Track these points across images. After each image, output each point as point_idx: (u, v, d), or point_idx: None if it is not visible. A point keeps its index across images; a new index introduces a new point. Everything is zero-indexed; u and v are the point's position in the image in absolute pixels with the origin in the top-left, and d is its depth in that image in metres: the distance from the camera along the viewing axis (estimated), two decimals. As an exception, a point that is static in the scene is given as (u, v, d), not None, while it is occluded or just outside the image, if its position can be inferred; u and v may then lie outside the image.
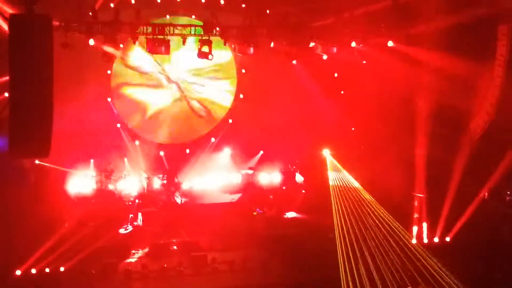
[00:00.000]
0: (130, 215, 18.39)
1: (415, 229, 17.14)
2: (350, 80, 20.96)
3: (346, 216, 17.36)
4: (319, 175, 20.70)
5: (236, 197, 21.12)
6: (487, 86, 16.17)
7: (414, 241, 16.73)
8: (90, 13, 16.92)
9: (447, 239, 16.82)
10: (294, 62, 20.58)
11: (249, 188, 21.48)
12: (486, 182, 16.71)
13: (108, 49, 17.41)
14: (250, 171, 21.94)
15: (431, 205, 17.30)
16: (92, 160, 19.93)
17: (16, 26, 9.71)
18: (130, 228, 18.07)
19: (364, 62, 19.29)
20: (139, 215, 18.45)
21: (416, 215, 17.43)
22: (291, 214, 19.79)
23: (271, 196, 20.86)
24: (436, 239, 16.86)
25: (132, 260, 16.19)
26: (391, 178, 17.33)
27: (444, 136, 16.92)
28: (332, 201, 18.26)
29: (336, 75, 21.31)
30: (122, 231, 17.88)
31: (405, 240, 16.27)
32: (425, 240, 16.93)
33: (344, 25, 17.83)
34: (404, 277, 14.56)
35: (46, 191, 17.78)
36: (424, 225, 17.21)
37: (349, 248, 15.88)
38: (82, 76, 19.15)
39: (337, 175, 20.14)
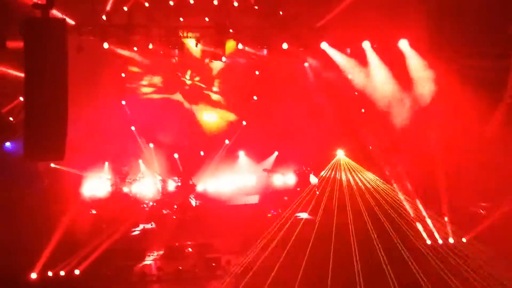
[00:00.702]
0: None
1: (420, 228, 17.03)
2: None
3: (360, 217, 17.28)
4: (333, 176, 20.60)
5: (250, 198, 21.06)
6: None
7: (428, 241, 16.61)
8: (104, 17, 17.02)
9: (464, 239, 16.66)
10: (306, 64, 20.65)
11: (264, 189, 21.43)
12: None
13: (123, 52, 17.57)
14: (265, 173, 21.87)
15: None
16: (106, 163, 20.01)
17: (30, 30, 9.73)
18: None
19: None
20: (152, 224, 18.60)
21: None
22: (303, 215, 19.70)
23: (285, 198, 20.78)
24: (451, 240, 16.69)
25: (148, 262, 16.22)
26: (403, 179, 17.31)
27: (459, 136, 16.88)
28: (346, 202, 18.20)
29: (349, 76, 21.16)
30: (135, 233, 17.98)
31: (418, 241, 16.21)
32: (440, 241, 16.77)
33: (356, 25, 17.80)
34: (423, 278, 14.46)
35: (60, 193, 17.85)
36: (430, 223, 17.09)
37: (364, 248, 15.82)
38: (96, 79, 19.20)
39: (351, 175, 20.05)
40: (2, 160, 16.28)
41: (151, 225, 18.57)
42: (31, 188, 16.91)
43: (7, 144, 16.58)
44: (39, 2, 9.56)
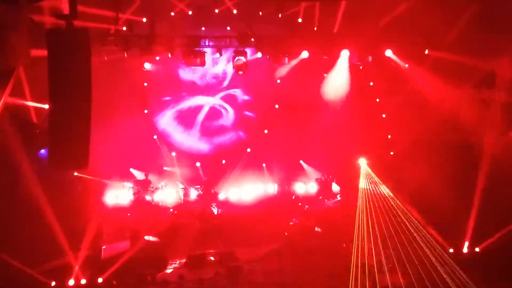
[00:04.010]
0: None
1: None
2: (385, 88, 20.74)
3: (383, 226, 17.13)
4: (355, 185, 20.44)
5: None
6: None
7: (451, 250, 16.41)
8: (124, 28, 17.19)
9: (477, 249, 16.47)
10: (325, 75, 20.62)
11: (285, 198, 21.38)
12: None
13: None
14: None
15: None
16: (130, 171, 20.14)
17: (54, 41, 9.84)
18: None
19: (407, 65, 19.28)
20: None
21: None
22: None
23: (306, 206, 20.72)
24: (465, 250, 16.50)
25: (170, 270, 16.27)
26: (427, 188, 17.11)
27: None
28: (365, 210, 18.04)
29: (371, 83, 21.03)
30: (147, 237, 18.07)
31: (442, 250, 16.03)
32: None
33: (379, 33, 17.75)
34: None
35: (84, 202, 17.96)
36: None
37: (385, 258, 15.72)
38: (119, 88, 19.31)
39: (372, 184, 19.85)
40: (38, 166, 16.31)
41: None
42: (65, 195, 16.99)
43: (42, 150, 16.70)
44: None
